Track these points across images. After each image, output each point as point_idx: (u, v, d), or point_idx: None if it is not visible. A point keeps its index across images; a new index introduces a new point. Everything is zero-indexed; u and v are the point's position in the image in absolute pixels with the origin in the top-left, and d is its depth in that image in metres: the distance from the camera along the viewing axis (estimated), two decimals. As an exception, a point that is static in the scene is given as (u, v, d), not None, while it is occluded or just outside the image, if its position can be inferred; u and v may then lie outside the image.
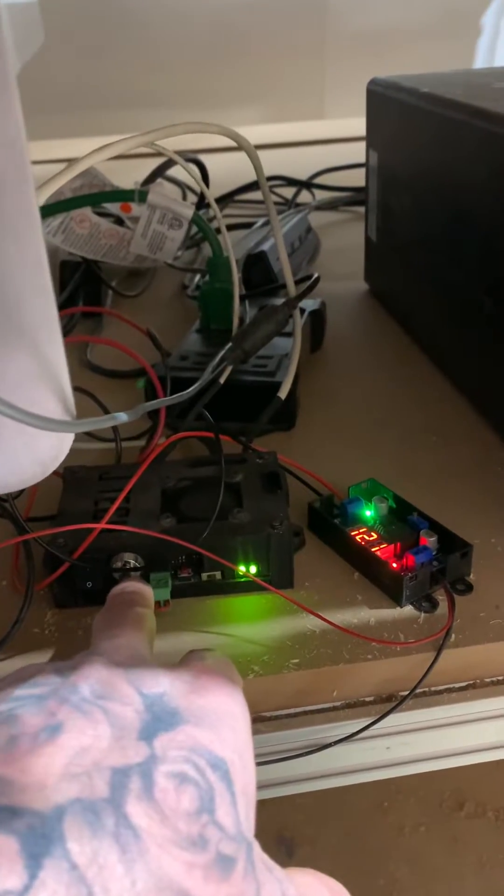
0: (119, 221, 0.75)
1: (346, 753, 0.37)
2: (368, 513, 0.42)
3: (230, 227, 0.90)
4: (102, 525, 0.38)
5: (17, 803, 0.17)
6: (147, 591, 0.33)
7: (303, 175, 1.08)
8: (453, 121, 0.52)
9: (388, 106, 0.65)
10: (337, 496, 0.44)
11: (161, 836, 0.18)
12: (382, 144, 0.68)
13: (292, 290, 0.55)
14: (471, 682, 0.38)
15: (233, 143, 0.51)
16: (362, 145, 0.72)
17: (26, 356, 0.24)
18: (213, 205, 0.58)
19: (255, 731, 0.28)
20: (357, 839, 0.62)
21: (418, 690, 0.36)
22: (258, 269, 0.69)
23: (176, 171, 0.93)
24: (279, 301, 0.56)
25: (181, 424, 0.48)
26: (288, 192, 1.05)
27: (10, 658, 0.37)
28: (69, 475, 0.43)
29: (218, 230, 0.60)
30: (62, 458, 0.27)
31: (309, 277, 0.57)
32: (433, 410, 0.56)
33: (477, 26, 1.69)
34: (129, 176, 0.80)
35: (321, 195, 1.05)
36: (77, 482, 0.43)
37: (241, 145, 0.50)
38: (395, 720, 0.36)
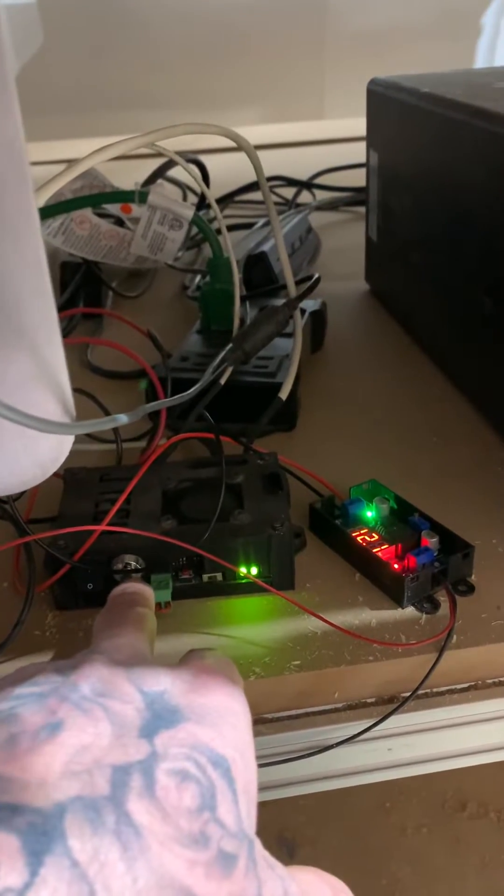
0: (119, 222, 0.74)
1: (347, 755, 0.37)
2: (370, 514, 0.42)
3: (230, 228, 0.89)
4: (103, 527, 0.38)
5: (17, 801, 0.17)
6: (148, 591, 0.33)
7: (303, 175, 1.08)
8: (454, 121, 0.52)
9: (388, 106, 0.65)
10: (338, 497, 0.44)
11: (162, 834, 0.18)
12: (383, 144, 0.68)
13: (293, 290, 0.55)
14: (472, 683, 0.38)
15: (233, 144, 0.51)
16: (362, 145, 0.72)
17: (26, 358, 0.24)
18: (214, 205, 0.58)
19: (256, 733, 0.27)
20: (359, 840, 0.62)
21: (420, 692, 0.36)
22: (259, 269, 0.69)
23: (176, 172, 0.93)
24: (280, 302, 0.56)
25: (182, 425, 0.48)
26: (288, 192, 1.05)
27: (11, 660, 0.37)
28: (70, 477, 0.43)
29: (218, 231, 0.60)
30: (62, 459, 0.27)
31: (309, 278, 0.57)
32: (434, 411, 0.56)
33: (477, 26, 1.69)
34: (129, 177, 0.80)
35: (321, 195, 1.05)
36: (77, 484, 0.43)
37: (240, 146, 0.50)
38: (397, 721, 0.36)
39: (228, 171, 0.94)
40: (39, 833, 0.17)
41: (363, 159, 0.72)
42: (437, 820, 0.66)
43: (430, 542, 0.39)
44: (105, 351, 0.65)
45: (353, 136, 1.21)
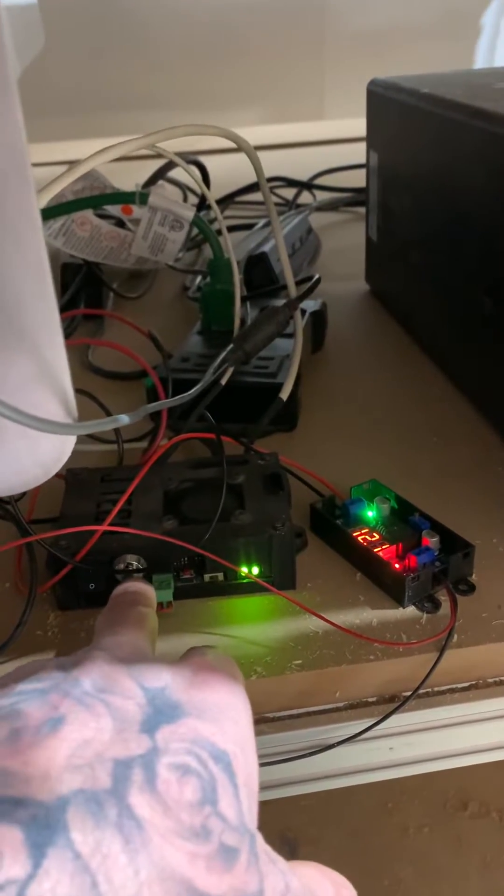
0: (120, 223, 0.75)
1: (348, 754, 0.37)
2: (370, 513, 0.42)
3: (231, 229, 0.90)
4: (105, 527, 0.38)
5: (21, 794, 0.17)
6: (149, 591, 0.33)
7: (303, 176, 1.08)
8: (453, 121, 0.52)
9: (388, 107, 0.66)
10: (339, 497, 0.44)
11: (164, 827, 0.18)
12: (383, 145, 0.68)
13: (293, 291, 0.55)
14: (473, 682, 0.38)
15: (233, 145, 0.51)
16: (362, 146, 0.72)
17: (28, 359, 0.24)
18: (214, 206, 0.58)
19: (258, 732, 0.28)
20: (361, 840, 0.62)
21: (421, 691, 0.36)
22: (259, 270, 0.69)
23: (176, 173, 0.93)
24: (280, 302, 0.56)
25: (183, 426, 0.48)
26: (288, 192, 1.05)
27: (13, 660, 0.37)
28: (71, 477, 0.43)
29: (219, 231, 0.60)
30: (64, 460, 0.28)
31: (310, 279, 0.57)
32: (434, 411, 0.56)
33: (477, 26, 1.69)
34: (129, 178, 0.80)
35: (322, 196, 1.05)
36: (79, 484, 0.43)
37: (241, 147, 0.51)
38: (398, 721, 0.36)
39: (229, 171, 0.95)
40: (42, 826, 0.17)
41: (363, 160, 0.73)
42: (439, 820, 0.66)
43: (431, 541, 0.39)
44: (106, 352, 0.65)
45: (353, 136, 1.21)
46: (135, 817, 0.18)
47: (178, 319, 0.73)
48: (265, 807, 0.24)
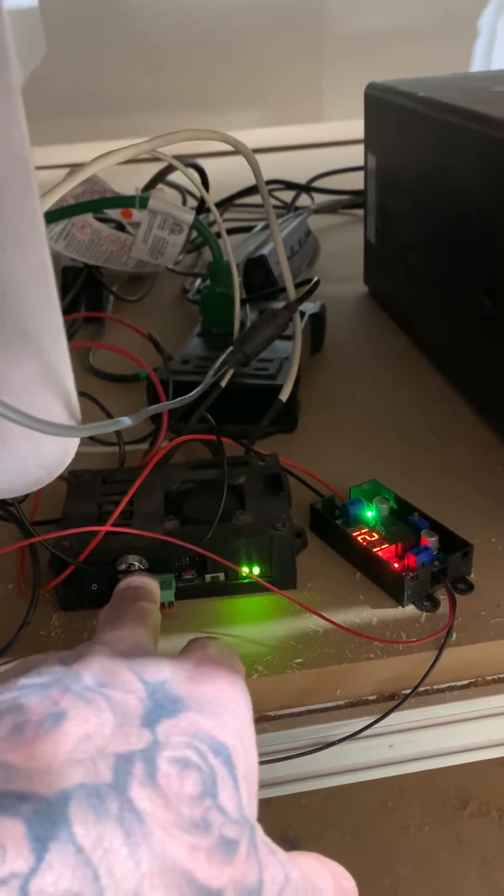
0: (120, 227, 0.75)
1: (349, 752, 0.37)
2: (370, 513, 0.43)
3: (230, 232, 0.90)
4: (107, 528, 0.38)
5: (23, 789, 0.18)
6: (153, 585, 0.34)
7: (302, 178, 1.08)
8: (451, 124, 0.52)
9: (385, 110, 0.66)
10: (338, 497, 0.45)
11: (164, 820, 0.18)
12: (380, 148, 0.69)
13: (292, 293, 0.55)
14: (472, 680, 0.38)
15: (233, 148, 0.51)
16: (361, 148, 0.73)
17: (31, 362, 0.24)
18: (214, 209, 0.58)
19: (259, 731, 0.28)
20: (362, 838, 0.62)
21: (420, 689, 0.36)
22: (258, 272, 0.69)
23: (176, 176, 0.94)
24: (279, 304, 0.56)
25: (184, 427, 0.48)
26: (287, 195, 1.06)
27: (16, 660, 0.37)
28: (73, 479, 0.44)
29: (218, 234, 0.60)
30: (68, 461, 0.28)
31: (309, 281, 0.57)
32: (433, 411, 0.56)
33: (474, 28, 1.70)
34: (129, 181, 0.80)
35: (320, 198, 1.05)
36: (81, 486, 0.43)
37: (239, 151, 0.51)
38: (398, 718, 0.37)
39: (228, 174, 0.95)
40: (44, 819, 0.17)
41: (361, 162, 0.73)
42: (439, 818, 0.67)
43: (430, 541, 0.40)
44: (106, 354, 0.65)
45: (351, 138, 1.22)
46: (136, 811, 0.18)
47: (177, 322, 0.73)
48: (267, 805, 0.25)
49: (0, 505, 0.40)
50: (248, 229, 0.91)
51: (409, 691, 0.36)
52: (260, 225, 0.90)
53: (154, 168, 0.86)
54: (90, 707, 0.20)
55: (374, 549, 0.40)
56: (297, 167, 1.13)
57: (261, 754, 0.23)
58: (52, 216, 0.63)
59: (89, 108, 1.60)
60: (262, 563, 0.40)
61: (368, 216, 0.74)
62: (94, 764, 0.19)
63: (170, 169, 0.84)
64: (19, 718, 0.20)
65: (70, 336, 0.67)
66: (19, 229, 0.23)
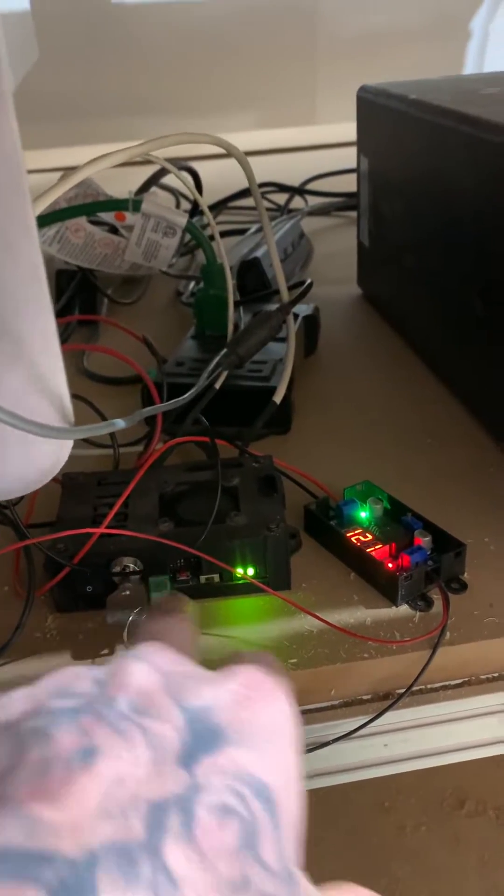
0: (114, 230, 0.75)
1: (344, 751, 0.37)
2: (363, 514, 0.43)
3: (224, 234, 0.90)
4: (101, 530, 0.38)
5: (47, 847, 0.16)
6: (189, 603, 0.32)
7: (296, 180, 1.09)
8: (442, 127, 0.52)
9: (377, 113, 0.66)
10: (332, 498, 0.45)
11: (201, 883, 0.17)
12: (373, 151, 0.69)
13: (285, 295, 0.55)
14: (466, 679, 0.38)
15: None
16: (354, 150, 0.73)
17: (24, 365, 0.24)
18: (207, 212, 0.59)
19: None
20: (358, 839, 0.62)
21: (415, 688, 0.36)
22: (252, 275, 0.69)
23: (170, 179, 0.94)
24: (273, 307, 0.56)
25: (178, 430, 0.49)
26: (281, 197, 1.06)
27: (11, 662, 0.37)
28: (68, 481, 0.44)
29: (211, 237, 0.60)
30: (62, 464, 0.28)
31: (302, 283, 0.57)
32: (427, 412, 0.57)
33: (466, 30, 1.70)
34: (122, 184, 0.80)
35: (314, 201, 1.06)
36: (76, 488, 0.43)
37: (232, 154, 0.51)
38: (393, 717, 0.37)
39: (222, 176, 0.95)
40: (70, 888, 0.16)
41: (355, 164, 0.73)
42: (436, 818, 0.67)
43: (423, 541, 0.40)
44: (101, 357, 0.66)
45: (345, 140, 1.22)
46: (169, 873, 0.17)
47: (172, 324, 0.73)
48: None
49: (-5, 508, 0.40)
50: (242, 231, 0.91)
51: (403, 690, 0.36)
52: (254, 227, 0.90)
53: (148, 171, 0.86)
54: (124, 741, 0.19)
55: (368, 550, 0.40)
56: (292, 169, 1.13)
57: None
58: (45, 220, 0.63)
59: (83, 112, 1.60)
60: (257, 564, 0.40)
61: (361, 218, 0.74)
62: (126, 817, 0.17)
63: (164, 172, 0.84)
64: (47, 752, 0.18)
65: (65, 339, 0.67)
66: (11, 234, 0.23)
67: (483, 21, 1.68)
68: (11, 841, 0.16)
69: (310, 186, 1.08)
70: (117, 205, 0.65)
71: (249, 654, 0.24)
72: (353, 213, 0.90)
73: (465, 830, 0.69)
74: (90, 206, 0.69)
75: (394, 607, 0.39)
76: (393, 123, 0.63)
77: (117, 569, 0.39)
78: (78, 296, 0.73)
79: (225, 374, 0.52)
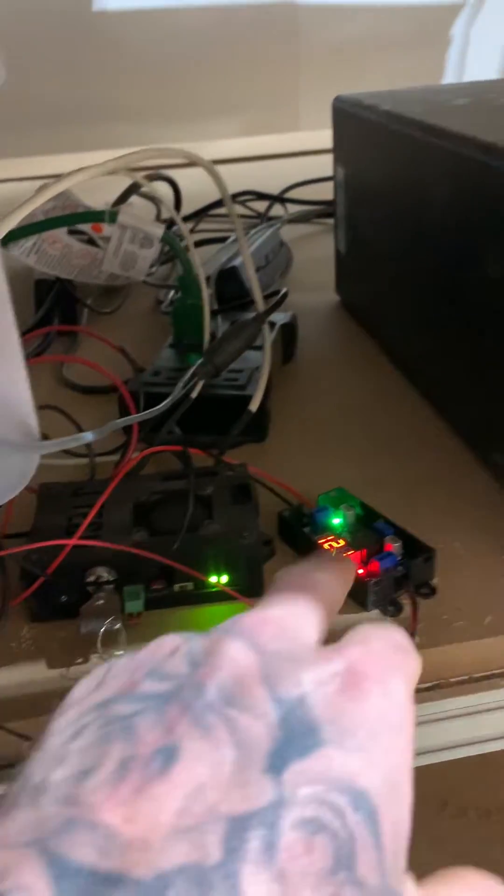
0: (91, 241, 0.76)
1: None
2: (336, 521, 0.43)
3: (204, 242, 0.91)
4: (75, 540, 0.39)
5: (118, 868, 0.15)
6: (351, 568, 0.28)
7: (277, 188, 1.09)
8: (412, 138, 0.53)
9: (352, 123, 0.67)
10: (307, 505, 0.46)
11: None
12: (348, 160, 0.70)
13: (260, 305, 0.56)
14: (436, 682, 0.39)
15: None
16: (333, 158, 0.74)
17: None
18: (181, 224, 0.59)
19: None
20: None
21: (385, 692, 0.37)
22: (230, 283, 0.70)
23: (151, 187, 0.94)
24: (250, 316, 0.57)
25: (155, 439, 0.49)
26: (261, 205, 1.07)
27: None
28: (44, 491, 0.44)
29: (187, 248, 0.61)
30: (29, 477, 0.29)
31: (277, 293, 0.58)
32: (402, 419, 0.57)
33: (447, 37, 1.72)
34: (102, 194, 0.81)
35: (294, 208, 1.06)
36: (51, 498, 0.43)
37: (202, 166, 0.52)
38: (364, 722, 0.37)
39: (202, 185, 0.95)
40: None
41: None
42: (419, 820, 0.67)
43: (394, 546, 0.40)
44: (81, 366, 0.66)
45: (327, 148, 1.23)
46: None
47: (152, 333, 0.74)
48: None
49: (-30, 519, 0.41)
50: (222, 240, 0.92)
51: (373, 695, 0.37)
52: (234, 236, 0.91)
53: (127, 181, 0.87)
54: (208, 740, 0.17)
55: (340, 556, 0.41)
56: (273, 177, 1.14)
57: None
58: (22, 231, 0.63)
59: (66, 119, 1.60)
60: (230, 571, 0.40)
61: (338, 227, 0.75)
62: (202, 834, 0.15)
63: (139, 185, 0.85)
64: (128, 750, 0.17)
65: (43, 349, 0.68)
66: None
67: (463, 27, 1.70)
68: (84, 860, 0.15)
69: (290, 194, 1.09)
70: (94, 216, 0.66)
71: (372, 629, 0.21)
72: (332, 221, 0.91)
73: (447, 832, 0.69)
74: (67, 219, 0.70)
75: (365, 612, 0.40)
76: (366, 134, 0.64)
77: (91, 579, 0.39)
78: (57, 305, 0.74)
79: (201, 383, 0.52)
